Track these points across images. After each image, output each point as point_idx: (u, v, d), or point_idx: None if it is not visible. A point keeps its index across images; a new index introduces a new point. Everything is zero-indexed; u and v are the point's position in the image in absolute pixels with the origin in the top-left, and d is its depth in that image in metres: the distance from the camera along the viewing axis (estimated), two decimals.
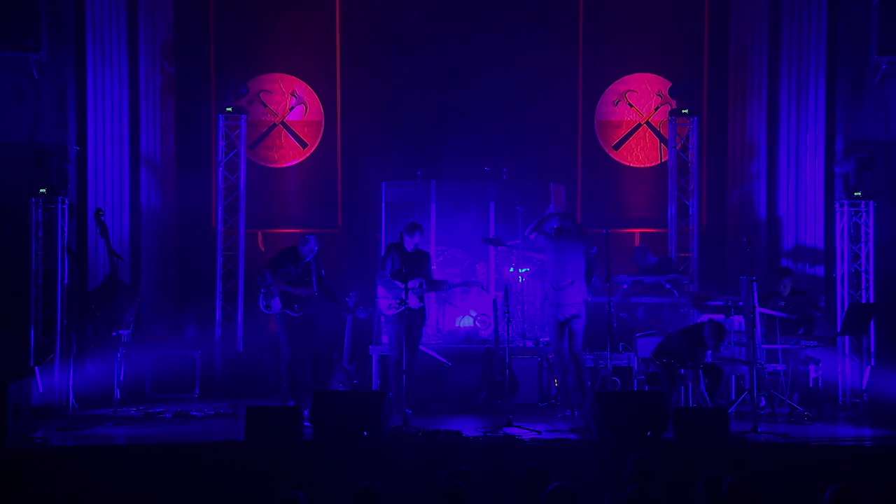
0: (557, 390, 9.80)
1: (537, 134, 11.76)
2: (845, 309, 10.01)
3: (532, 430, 8.20)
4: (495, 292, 10.09)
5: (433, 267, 9.87)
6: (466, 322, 10.70)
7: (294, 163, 11.92)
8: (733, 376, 9.69)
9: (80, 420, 8.67)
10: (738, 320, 9.70)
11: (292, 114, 11.88)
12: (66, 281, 9.64)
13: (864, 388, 9.61)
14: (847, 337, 9.89)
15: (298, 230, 11.17)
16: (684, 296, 10.40)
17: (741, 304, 9.41)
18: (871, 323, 9.77)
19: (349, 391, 9.40)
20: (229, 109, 11.21)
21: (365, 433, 7.67)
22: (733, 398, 9.46)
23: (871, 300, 10.12)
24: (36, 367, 9.43)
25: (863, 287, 10.22)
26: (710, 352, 8.90)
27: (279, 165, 11.90)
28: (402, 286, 8.87)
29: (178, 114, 11.59)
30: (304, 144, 11.88)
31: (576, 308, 9.08)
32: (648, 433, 7.69)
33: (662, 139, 11.79)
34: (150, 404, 9.74)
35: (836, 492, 5.02)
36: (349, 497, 5.31)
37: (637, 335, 10.04)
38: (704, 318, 10.01)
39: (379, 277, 9.30)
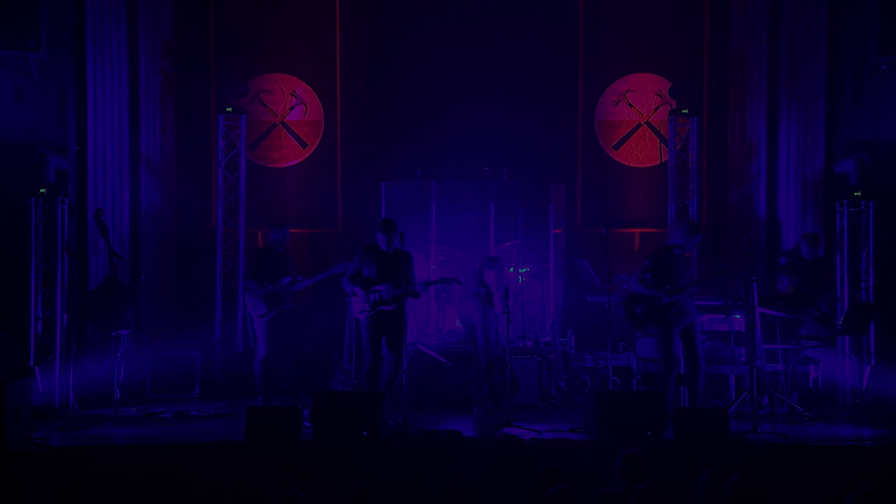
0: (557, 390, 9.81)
1: (537, 134, 11.73)
2: (845, 309, 10.02)
3: (532, 430, 8.21)
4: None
5: (432, 267, 9.82)
6: None
7: (294, 163, 11.91)
8: (733, 376, 9.69)
9: (80, 420, 8.67)
10: (737, 320, 9.71)
11: (292, 114, 11.87)
12: (66, 281, 9.65)
13: (864, 388, 9.62)
14: (847, 337, 9.90)
15: (298, 230, 11.17)
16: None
17: (741, 303, 9.42)
18: (871, 323, 9.78)
19: (349, 391, 9.39)
20: (229, 109, 11.20)
21: (365, 433, 7.66)
22: (733, 398, 9.47)
23: (871, 300, 10.13)
24: (36, 367, 9.46)
25: (863, 287, 10.23)
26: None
27: (279, 165, 11.89)
28: (363, 290, 8.71)
29: (178, 114, 11.56)
30: (304, 144, 11.87)
31: None
32: (648, 433, 7.70)
33: (662, 139, 11.78)
34: (150, 404, 9.73)
35: (861, 495, 4.90)
36: (344, 499, 5.30)
37: (637, 335, 10.04)
38: (701, 318, 9.99)
39: (343, 280, 8.94)
